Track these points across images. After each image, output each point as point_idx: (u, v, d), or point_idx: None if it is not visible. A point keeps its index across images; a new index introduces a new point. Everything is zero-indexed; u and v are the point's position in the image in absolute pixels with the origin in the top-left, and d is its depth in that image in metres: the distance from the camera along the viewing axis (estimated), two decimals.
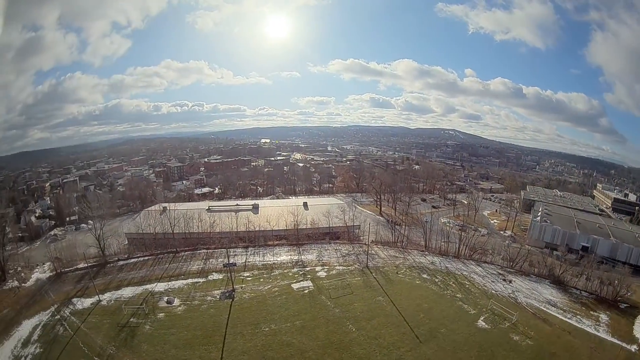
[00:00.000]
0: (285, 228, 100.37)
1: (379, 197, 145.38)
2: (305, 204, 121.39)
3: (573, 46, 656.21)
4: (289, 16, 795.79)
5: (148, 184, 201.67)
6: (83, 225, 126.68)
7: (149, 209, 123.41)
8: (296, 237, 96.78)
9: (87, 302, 71.39)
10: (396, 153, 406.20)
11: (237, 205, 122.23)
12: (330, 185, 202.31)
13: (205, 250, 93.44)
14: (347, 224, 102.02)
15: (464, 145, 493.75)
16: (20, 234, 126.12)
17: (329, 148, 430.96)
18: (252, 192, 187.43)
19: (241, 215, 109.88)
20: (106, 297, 72.64)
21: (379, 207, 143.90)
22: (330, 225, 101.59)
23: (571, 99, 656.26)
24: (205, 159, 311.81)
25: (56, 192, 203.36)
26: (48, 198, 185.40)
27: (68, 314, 67.62)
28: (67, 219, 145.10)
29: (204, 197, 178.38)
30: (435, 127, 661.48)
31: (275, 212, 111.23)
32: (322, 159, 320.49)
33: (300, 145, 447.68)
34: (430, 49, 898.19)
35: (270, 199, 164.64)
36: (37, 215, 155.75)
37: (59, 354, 55.59)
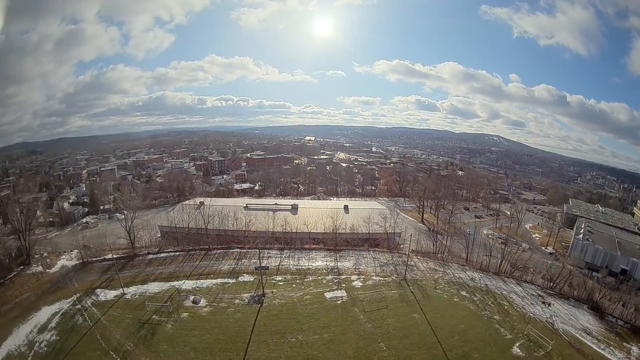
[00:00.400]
0: (323, 231, 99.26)
1: (421, 203, 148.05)
2: (346, 207, 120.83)
3: (615, 54, 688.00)
4: (334, 15, 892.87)
5: (187, 176, 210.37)
6: (117, 214, 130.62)
7: (186, 202, 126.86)
8: (334, 242, 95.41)
9: (111, 294, 73.05)
10: (440, 157, 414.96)
11: (275, 204, 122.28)
12: (373, 187, 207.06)
13: (238, 250, 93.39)
14: (388, 231, 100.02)
15: (508, 152, 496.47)
16: (51, 219, 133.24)
17: (374, 149, 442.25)
18: (293, 190, 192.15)
19: (279, 215, 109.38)
20: (131, 290, 74.02)
21: (421, 213, 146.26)
22: (370, 232, 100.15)
23: (613, 109, 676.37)
24: (248, 155, 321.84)
25: (93, 179, 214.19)
26: (84, 185, 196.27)
27: (90, 304, 69.40)
28: (101, 207, 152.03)
29: (243, 192, 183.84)
30: (480, 132, 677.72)
31: (315, 213, 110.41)
32: (366, 159, 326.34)
33: (345, 144, 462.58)
34: (475, 52, 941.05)
35: (311, 199, 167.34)
36: (70, 201, 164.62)
37: (74, 344, 56.78)
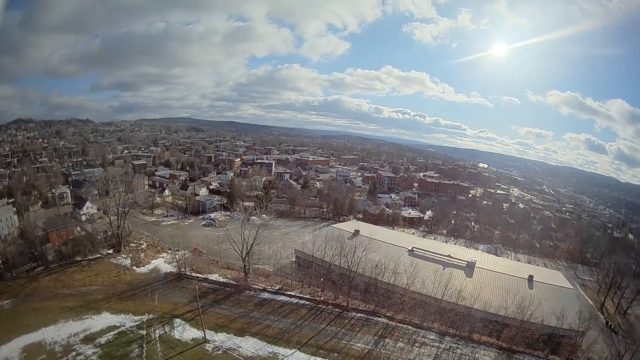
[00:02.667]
0: (504, 315, 75.82)
1: (608, 287, 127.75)
2: (530, 279, 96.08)
3: None
4: (505, 36, 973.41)
5: (350, 189, 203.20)
6: (254, 218, 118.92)
7: (337, 226, 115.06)
8: (511, 339, 71.61)
9: (190, 333, 61.07)
10: (607, 209, 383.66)
11: (449, 257, 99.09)
12: (551, 244, 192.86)
13: (385, 321, 72.09)
14: (575, 330, 76.37)
15: None
16: (180, 202, 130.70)
17: (545, 188, 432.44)
18: (466, 230, 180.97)
19: (451, 275, 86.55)
20: (217, 340, 60.19)
21: (603, 298, 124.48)
22: (555, 326, 76.04)
23: None
24: (421, 175, 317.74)
25: (245, 169, 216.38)
26: (232, 173, 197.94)
27: (157, 336, 60.20)
28: (241, 203, 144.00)
29: (410, 222, 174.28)
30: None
31: (493, 281, 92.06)
32: (540, 202, 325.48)
33: (518, 178, 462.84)
34: None
35: (487, 249, 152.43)
36: (211, 187, 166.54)
37: None
